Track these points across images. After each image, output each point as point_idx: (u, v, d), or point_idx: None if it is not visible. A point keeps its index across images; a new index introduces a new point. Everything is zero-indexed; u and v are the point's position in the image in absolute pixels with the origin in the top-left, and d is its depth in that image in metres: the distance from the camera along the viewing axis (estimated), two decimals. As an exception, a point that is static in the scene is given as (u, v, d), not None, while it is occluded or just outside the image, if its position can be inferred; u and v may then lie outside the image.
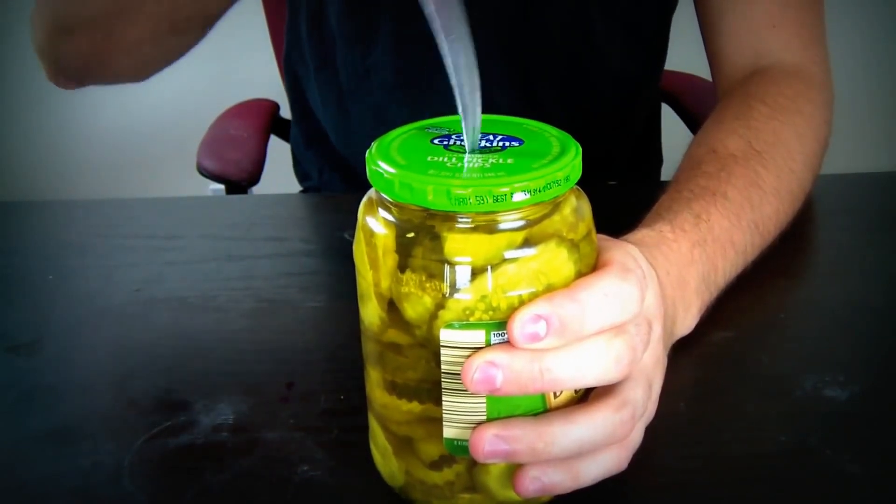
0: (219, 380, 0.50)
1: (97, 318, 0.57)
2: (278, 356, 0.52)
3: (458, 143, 0.37)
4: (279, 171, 1.07)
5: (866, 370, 0.50)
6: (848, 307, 0.56)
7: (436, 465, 0.38)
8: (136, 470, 0.42)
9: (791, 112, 0.64)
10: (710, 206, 0.54)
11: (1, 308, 0.59)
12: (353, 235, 0.37)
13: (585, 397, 0.37)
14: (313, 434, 0.45)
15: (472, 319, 0.34)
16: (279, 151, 1.11)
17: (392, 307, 0.36)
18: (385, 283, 0.36)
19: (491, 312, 0.34)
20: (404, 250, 0.35)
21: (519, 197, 0.33)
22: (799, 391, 0.48)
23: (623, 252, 0.38)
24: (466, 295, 0.34)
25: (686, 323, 0.49)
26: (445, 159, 0.35)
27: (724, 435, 0.45)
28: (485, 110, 0.37)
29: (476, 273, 0.34)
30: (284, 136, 1.13)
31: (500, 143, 0.37)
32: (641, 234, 0.49)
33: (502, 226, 0.34)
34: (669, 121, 1.05)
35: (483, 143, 0.37)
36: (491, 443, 0.35)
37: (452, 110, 0.37)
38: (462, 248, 0.34)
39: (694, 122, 1.07)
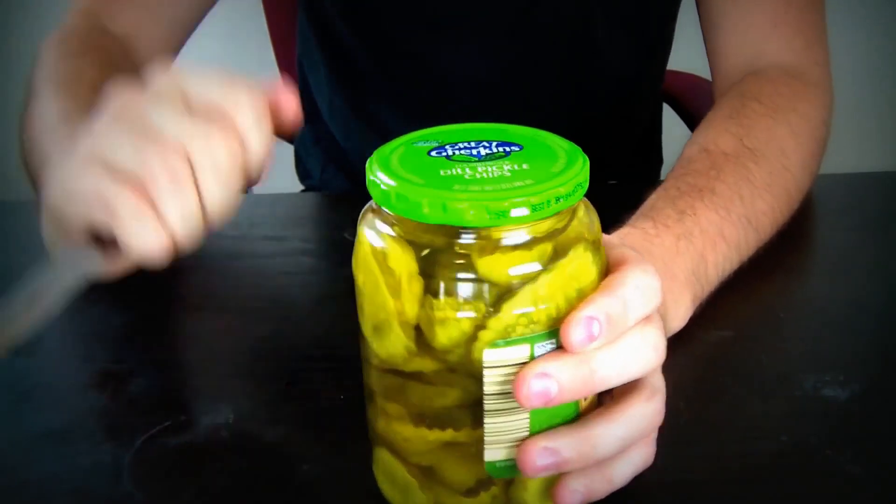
0: (219, 380, 0.50)
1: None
2: (278, 356, 0.52)
3: (457, 152, 0.36)
4: (279, 171, 1.06)
5: (866, 370, 0.50)
6: (848, 307, 0.56)
7: (472, 491, 0.37)
8: (135, 470, 0.42)
9: (786, 111, 0.64)
10: (695, 202, 0.53)
11: (1, 308, 0.58)
12: (353, 235, 0.37)
13: (600, 401, 0.38)
14: (313, 434, 0.45)
15: (514, 335, 0.34)
16: (279, 151, 1.11)
17: (418, 334, 0.34)
18: (412, 311, 0.34)
19: (532, 326, 0.34)
20: (432, 273, 0.33)
21: (553, 204, 0.33)
22: (799, 391, 0.48)
23: (628, 248, 0.38)
24: (507, 312, 0.33)
25: (679, 315, 0.49)
26: (459, 171, 0.34)
27: (724, 435, 0.45)
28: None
29: (515, 288, 0.33)
30: (284, 136, 1.13)
31: (501, 150, 0.36)
32: (623, 232, 0.49)
33: (535, 237, 0.34)
34: (669, 121, 1.05)
35: (483, 151, 0.36)
36: (541, 456, 0.35)
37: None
38: (499, 264, 0.33)
39: (694, 122, 1.06)
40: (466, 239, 0.33)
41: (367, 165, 0.35)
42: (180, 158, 0.38)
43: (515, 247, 0.33)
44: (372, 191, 0.35)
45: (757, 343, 0.53)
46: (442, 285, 0.33)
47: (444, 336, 0.34)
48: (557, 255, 0.34)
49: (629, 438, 0.36)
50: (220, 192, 0.40)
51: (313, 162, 0.96)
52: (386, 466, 0.39)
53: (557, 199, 0.33)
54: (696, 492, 0.41)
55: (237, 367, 0.51)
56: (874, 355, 0.52)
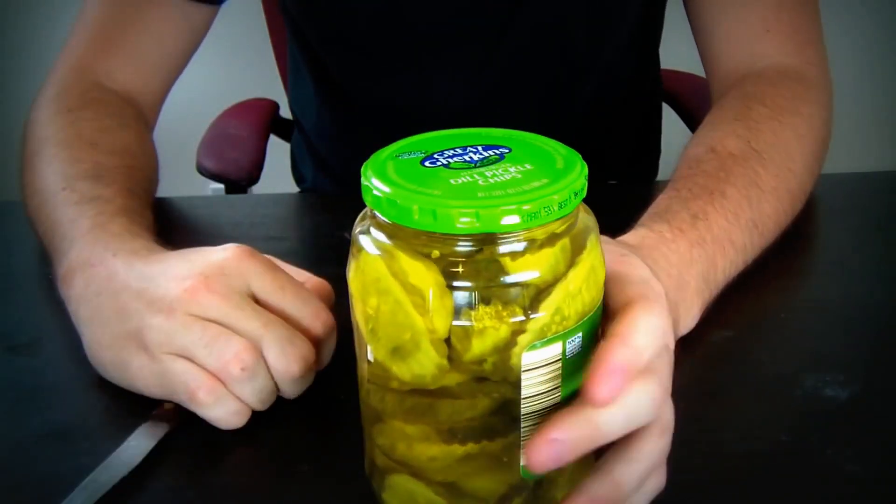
0: (219, 380, 0.49)
1: (97, 318, 0.56)
2: (278, 356, 0.52)
3: (452, 160, 0.36)
4: (279, 171, 1.07)
5: (866, 370, 0.50)
6: (848, 307, 0.56)
7: (504, 498, 0.36)
8: (135, 469, 0.42)
9: (790, 113, 0.64)
10: (707, 206, 0.54)
11: (1, 308, 0.59)
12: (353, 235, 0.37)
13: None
14: (313, 434, 0.45)
15: (549, 335, 0.34)
16: (279, 151, 1.11)
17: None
18: (444, 326, 0.33)
19: (565, 322, 0.34)
20: (462, 285, 0.33)
21: (573, 199, 0.33)
22: (799, 391, 0.48)
23: (642, 283, 0.38)
24: (544, 312, 0.33)
25: (687, 323, 0.50)
26: (470, 178, 0.34)
27: (724, 435, 0.45)
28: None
29: (547, 287, 0.33)
30: (284, 136, 1.13)
31: (491, 153, 0.36)
32: (640, 234, 0.49)
33: (555, 234, 0.34)
34: (669, 121, 1.05)
35: (476, 157, 0.36)
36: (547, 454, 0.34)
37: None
38: (532, 265, 0.33)
39: (694, 121, 1.07)
40: (495, 244, 0.33)
41: (365, 183, 0.34)
42: (253, 351, 0.44)
43: (542, 246, 0.33)
44: (387, 210, 0.33)
45: (757, 343, 0.53)
46: (477, 295, 0.33)
47: (480, 346, 0.33)
48: (575, 248, 0.34)
49: (646, 472, 0.37)
50: (289, 375, 0.45)
51: (306, 167, 0.97)
52: (404, 492, 0.38)
53: (575, 194, 0.34)
54: (696, 492, 0.41)
55: (237, 367, 0.51)
56: (874, 355, 0.52)
